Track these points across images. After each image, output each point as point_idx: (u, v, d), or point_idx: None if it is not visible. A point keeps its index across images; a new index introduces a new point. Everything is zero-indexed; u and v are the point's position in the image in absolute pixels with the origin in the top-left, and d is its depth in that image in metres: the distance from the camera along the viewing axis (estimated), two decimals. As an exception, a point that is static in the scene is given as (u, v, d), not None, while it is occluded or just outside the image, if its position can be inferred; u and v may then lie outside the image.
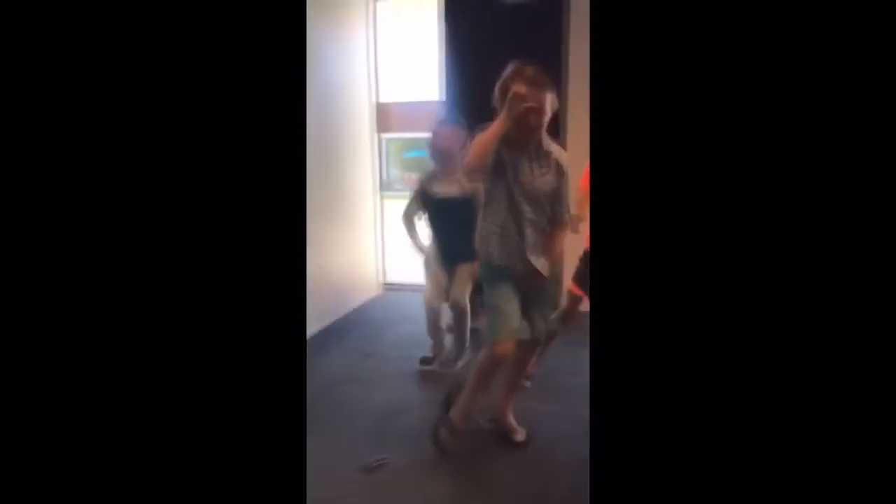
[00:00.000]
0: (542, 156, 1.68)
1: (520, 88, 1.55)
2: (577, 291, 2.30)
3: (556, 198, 1.72)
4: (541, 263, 1.72)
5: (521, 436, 1.96)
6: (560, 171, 1.70)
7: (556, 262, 1.78)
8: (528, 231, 1.69)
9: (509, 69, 1.62)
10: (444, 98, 3.51)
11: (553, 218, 1.73)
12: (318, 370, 2.63)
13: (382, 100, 3.93)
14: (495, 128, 1.56)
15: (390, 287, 3.63)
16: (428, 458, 1.85)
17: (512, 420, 2.00)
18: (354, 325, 3.29)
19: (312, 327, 3.16)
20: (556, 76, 3.29)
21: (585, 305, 2.19)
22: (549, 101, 1.62)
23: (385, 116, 3.93)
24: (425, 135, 2.63)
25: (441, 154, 2.48)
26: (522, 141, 1.64)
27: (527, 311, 1.81)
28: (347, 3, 3.55)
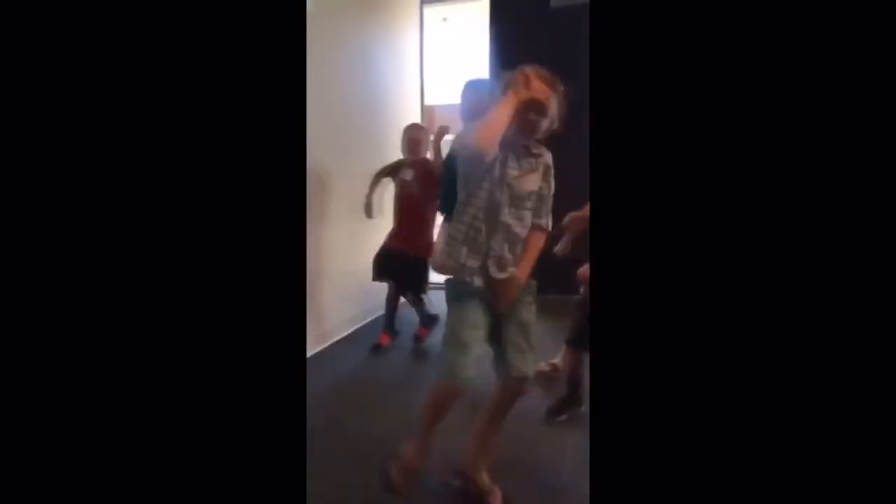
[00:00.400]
0: (531, 154, 1.50)
1: (528, 71, 1.39)
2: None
3: (539, 201, 1.54)
4: (510, 275, 1.49)
5: (496, 500, 1.58)
6: (547, 173, 1.53)
7: (528, 275, 1.55)
8: (501, 238, 1.48)
9: (518, 70, 1.45)
10: (489, 101, 3.57)
11: (532, 224, 1.54)
12: (365, 361, 2.78)
13: (428, 102, 4.02)
14: (503, 107, 1.36)
15: (433, 286, 3.70)
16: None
17: (485, 478, 1.61)
18: (399, 320, 3.39)
19: (361, 321, 3.33)
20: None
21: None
22: (554, 102, 1.44)
23: (431, 119, 4.01)
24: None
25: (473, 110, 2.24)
26: (513, 137, 1.45)
27: (503, 339, 1.54)
28: (396, 8, 3.65)
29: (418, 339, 3.01)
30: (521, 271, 1.51)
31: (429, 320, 3.04)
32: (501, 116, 1.36)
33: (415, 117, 3.94)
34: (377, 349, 2.93)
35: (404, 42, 3.77)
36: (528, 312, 1.57)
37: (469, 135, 1.40)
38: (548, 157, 1.54)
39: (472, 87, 2.14)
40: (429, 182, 2.77)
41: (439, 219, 2.76)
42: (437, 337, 2.78)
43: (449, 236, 1.55)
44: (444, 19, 4.23)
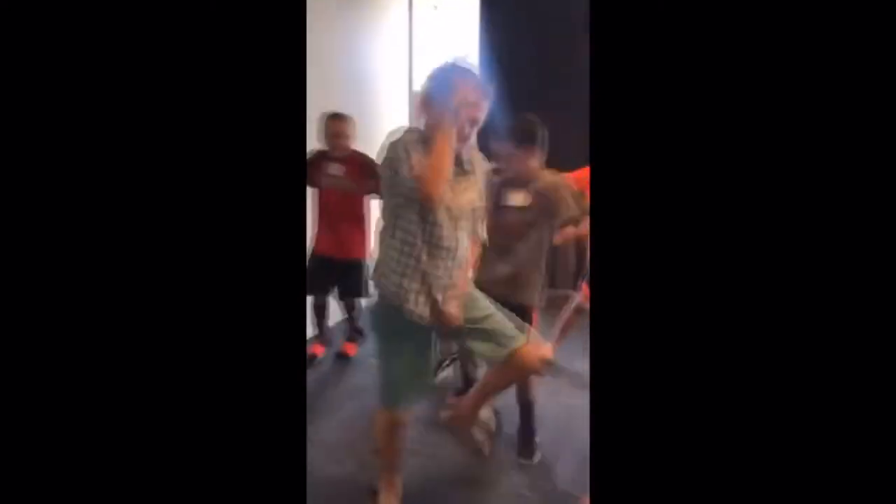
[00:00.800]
0: (465, 170, 1.42)
1: (469, 95, 1.32)
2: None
3: (476, 217, 1.48)
4: (449, 299, 1.41)
5: (486, 447, 1.65)
6: (480, 188, 1.47)
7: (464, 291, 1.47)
8: (448, 264, 1.40)
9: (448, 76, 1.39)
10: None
11: (474, 238, 1.50)
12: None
13: (416, 89, 3.98)
14: (446, 145, 1.30)
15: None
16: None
17: (477, 431, 1.63)
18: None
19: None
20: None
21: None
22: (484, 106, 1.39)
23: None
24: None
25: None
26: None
27: (465, 343, 1.53)
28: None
29: (343, 355, 2.75)
30: (462, 286, 1.45)
31: (357, 335, 2.82)
32: (446, 154, 1.29)
33: (403, 105, 3.90)
34: (313, 360, 2.69)
35: (393, 29, 3.72)
36: (474, 308, 1.49)
37: (419, 173, 1.30)
38: (483, 165, 1.48)
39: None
40: (364, 177, 2.47)
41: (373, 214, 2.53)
42: (362, 354, 2.76)
43: (386, 256, 1.43)
44: (435, 7, 4.17)
